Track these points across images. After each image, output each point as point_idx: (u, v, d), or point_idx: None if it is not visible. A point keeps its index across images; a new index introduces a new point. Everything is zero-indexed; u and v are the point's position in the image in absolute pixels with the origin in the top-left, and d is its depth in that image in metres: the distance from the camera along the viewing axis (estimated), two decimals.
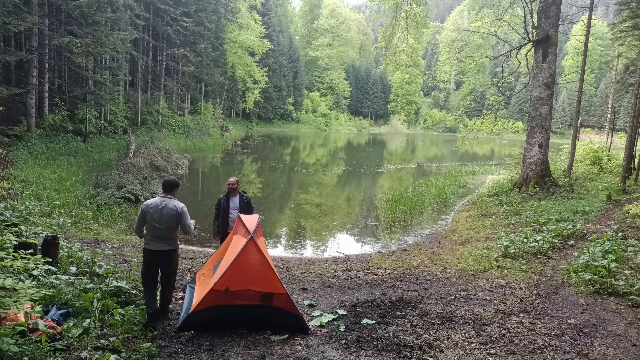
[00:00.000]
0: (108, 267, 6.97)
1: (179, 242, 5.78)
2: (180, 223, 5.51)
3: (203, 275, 6.32)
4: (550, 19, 15.70)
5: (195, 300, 5.49)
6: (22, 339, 4.16)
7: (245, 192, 7.47)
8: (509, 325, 6.00)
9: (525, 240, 10.04)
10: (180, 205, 5.55)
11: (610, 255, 7.74)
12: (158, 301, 5.62)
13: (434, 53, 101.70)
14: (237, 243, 5.60)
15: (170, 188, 5.64)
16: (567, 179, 17.20)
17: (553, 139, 30.02)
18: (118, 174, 15.72)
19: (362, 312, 6.42)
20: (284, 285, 5.45)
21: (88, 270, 6.72)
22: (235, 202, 7.27)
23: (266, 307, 5.40)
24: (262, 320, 5.47)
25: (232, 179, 7.32)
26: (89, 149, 22.07)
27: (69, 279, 5.95)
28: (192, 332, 5.27)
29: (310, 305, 6.59)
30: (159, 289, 5.73)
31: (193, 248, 10.24)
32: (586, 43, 18.36)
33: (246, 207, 7.17)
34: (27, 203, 10.41)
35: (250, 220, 5.83)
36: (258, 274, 5.34)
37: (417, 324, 6.00)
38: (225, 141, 38.68)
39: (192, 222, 5.69)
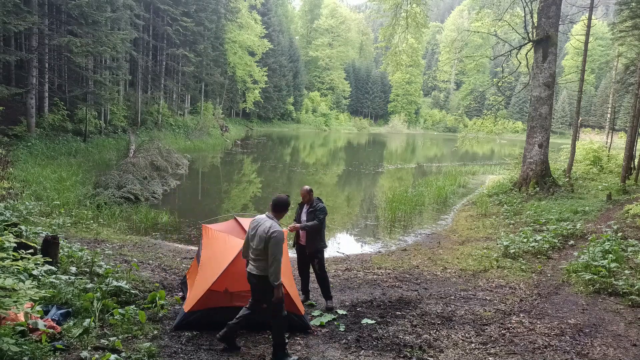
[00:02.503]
0: (108, 267, 6.97)
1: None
2: (268, 250, 4.60)
3: (190, 271, 6.40)
4: (550, 18, 15.70)
5: (190, 299, 5.48)
6: (22, 339, 4.15)
7: (319, 200, 6.67)
8: (509, 325, 6.00)
9: (525, 240, 10.04)
10: (273, 229, 4.61)
11: (610, 255, 7.75)
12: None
13: (434, 53, 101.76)
14: (232, 244, 5.62)
15: (273, 207, 4.89)
16: (567, 179, 17.20)
17: (553, 139, 30.01)
18: (118, 174, 15.73)
19: (362, 312, 6.43)
20: (285, 286, 5.42)
21: (88, 270, 6.72)
22: (306, 209, 6.73)
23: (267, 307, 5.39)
24: (262, 320, 5.45)
25: (302, 188, 6.69)
26: (89, 148, 22.06)
27: (69, 278, 5.95)
28: (193, 332, 5.26)
29: (310, 305, 6.59)
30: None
31: (194, 248, 10.19)
32: (586, 43, 18.36)
33: (310, 216, 6.58)
34: (27, 203, 10.40)
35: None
36: None
37: (417, 324, 6.01)
38: (225, 141, 38.67)
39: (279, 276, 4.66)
